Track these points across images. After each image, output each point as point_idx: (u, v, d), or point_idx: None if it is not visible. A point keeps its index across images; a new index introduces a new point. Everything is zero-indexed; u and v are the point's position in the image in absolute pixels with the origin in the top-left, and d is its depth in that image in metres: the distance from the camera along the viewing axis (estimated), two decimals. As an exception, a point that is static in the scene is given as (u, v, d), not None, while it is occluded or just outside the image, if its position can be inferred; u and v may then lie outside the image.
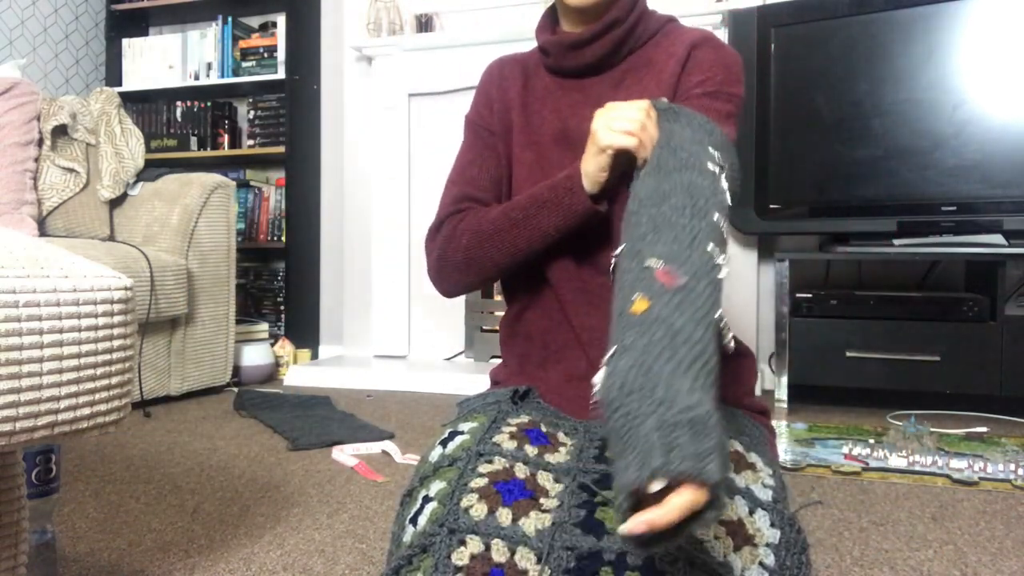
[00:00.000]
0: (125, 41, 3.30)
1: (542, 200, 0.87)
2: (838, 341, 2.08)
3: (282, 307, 3.09)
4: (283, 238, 3.04)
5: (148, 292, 2.11)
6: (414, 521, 0.73)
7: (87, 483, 1.41)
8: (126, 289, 0.68)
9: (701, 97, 0.90)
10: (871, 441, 1.72)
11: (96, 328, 0.64)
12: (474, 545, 0.66)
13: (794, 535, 0.69)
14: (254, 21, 3.25)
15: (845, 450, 1.65)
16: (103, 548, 1.09)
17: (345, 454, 1.61)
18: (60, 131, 2.31)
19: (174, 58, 3.24)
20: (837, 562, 1.05)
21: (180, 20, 3.37)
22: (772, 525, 0.69)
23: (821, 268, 2.50)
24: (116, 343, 0.66)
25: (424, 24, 2.81)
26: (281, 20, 3.06)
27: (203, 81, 3.17)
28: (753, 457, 0.77)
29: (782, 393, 2.14)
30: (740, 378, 0.94)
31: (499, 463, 0.74)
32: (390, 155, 2.87)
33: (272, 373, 2.73)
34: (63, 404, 0.61)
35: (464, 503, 0.69)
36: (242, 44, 3.14)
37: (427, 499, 0.74)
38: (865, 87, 2.12)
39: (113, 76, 3.30)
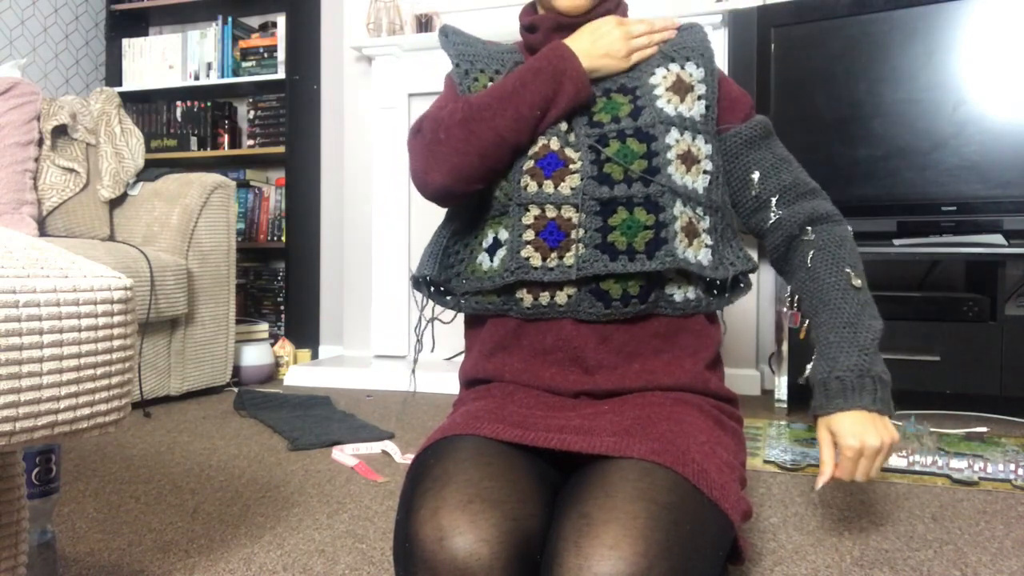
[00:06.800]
0: (125, 41, 3.30)
1: (536, 68, 0.94)
2: (838, 341, 2.07)
3: (282, 307, 3.09)
4: (283, 238, 3.04)
5: (148, 292, 2.11)
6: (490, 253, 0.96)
7: (87, 483, 1.41)
8: (126, 289, 0.68)
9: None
10: (871, 441, 1.72)
11: (96, 328, 0.64)
12: (535, 209, 0.92)
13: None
14: (254, 21, 3.25)
15: (845, 450, 1.64)
16: (103, 548, 1.09)
17: (345, 454, 1.61)
18: (60, 131, 2.31)
19: (174, 58, 3.24)
20: (837, 562, 1.05)
21: (180, 20, 3.37)
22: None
23: (821, 268, 2.49)
24: (116, 343, 0.66)
25: (424, 24, 2.81)
26: (281, 20, 3.06)
27: (203, 81, 3.17)
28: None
29: (782, 393, 2.14)
30: (703, 349, 0.98)
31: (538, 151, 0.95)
32: (390, 155, 2.87)
33: (272, 373, 2.73)
34: (63, 404, 0.61)
35: (523, 182, 0.93)
36: (242, 44, 3.14)
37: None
38: (865, 87, 2.12)
39: (113, 76, 3.30)
